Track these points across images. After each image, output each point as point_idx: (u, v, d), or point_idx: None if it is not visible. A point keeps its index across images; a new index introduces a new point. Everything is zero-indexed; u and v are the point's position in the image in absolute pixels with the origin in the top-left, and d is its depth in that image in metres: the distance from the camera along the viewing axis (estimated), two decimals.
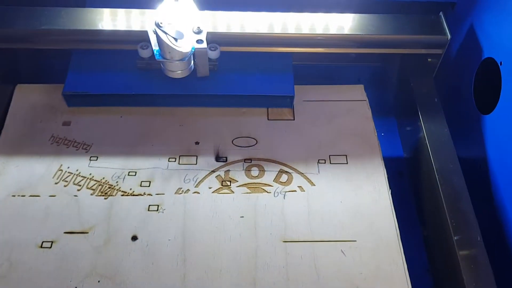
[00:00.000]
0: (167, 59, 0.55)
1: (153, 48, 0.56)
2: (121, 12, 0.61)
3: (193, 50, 0.55)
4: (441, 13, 0.62)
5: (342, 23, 0.62)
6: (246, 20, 0.61)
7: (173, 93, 0.59)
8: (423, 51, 0.63)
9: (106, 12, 0.61)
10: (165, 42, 0.53)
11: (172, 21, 0.54)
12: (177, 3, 0.56)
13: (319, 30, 0.61)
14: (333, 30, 0.61)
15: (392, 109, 0.73)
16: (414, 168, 0.63)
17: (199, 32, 0.56)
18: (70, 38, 0.60)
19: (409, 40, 0.62)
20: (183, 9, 0.56)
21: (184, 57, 0.55)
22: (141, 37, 0.59)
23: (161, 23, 0.53)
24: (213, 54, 0.59)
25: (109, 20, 0.60)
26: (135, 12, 0.61)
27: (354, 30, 0.61)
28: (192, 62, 0.58)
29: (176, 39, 0.53)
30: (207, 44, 0.56)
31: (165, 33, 0.53)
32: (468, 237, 0.51)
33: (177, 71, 0.57)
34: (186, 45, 0.54)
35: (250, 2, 0.67)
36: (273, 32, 0.60)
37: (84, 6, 0.63)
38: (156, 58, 0.56)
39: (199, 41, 0.55)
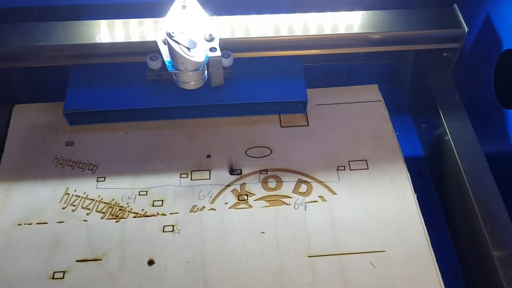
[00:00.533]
0: (181, 70, 0.52)
1: (165, 59, 0.53)
2: (118, 23, 0.58)
3: (207, 59, 0.52)
4: (455, 5, 0.60)
5: (353, 21, 0.59)
6: (252, 24, 0.58)
7: (183, 105, 0.57)
8: (439, 46, 0.60)
9: (104, 24, 0.58)
10: (178, 53, 0.50)
11: (182, 29, 0.51)
12: (185, 10, 0.53)
13: (328, 30, 0.58)
14: (343, 29, 0.58)
15: (407, 106, 0.70)
16: (436, 168, 0.61)
17: (211, 39, 0.53)
18: (70, 53, 0.56)
19: (423, 35, 0.59)
20: (192, 16, 0.53)
21: (198, 67, 0.52)
22: (144, 48, 0.56)
23: (172, 32, 0.50)
24: (227, 62, 0.56)
25: (108, 32, 0.57)
26: (133, 22, 0.58)
27: (365, 28, 0.59)
28: (206, 71, 0.55)
29: (189, 49, 0.50)
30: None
31: (177, 43, 0.50)
32: (502, 238, 0.49)
33: (191, 82, 0.54)
34: (199, 54, 0.51)
35: (250, 4, 0.64)
36: (284, 35, 0.57)
37: (79, 19, 0.60)
38: (168, 70, 0.52)
39: (212, 49, 0.52)
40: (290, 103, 0.59)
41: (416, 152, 0.67)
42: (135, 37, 0.57)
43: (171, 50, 0.50)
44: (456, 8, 0.60)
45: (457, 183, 0.54)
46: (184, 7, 0.53)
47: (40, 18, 0.58)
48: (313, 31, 0.58)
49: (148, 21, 0.58)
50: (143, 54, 0.56)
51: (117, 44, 0.56)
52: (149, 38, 0.56)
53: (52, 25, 0.57)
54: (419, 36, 0.59)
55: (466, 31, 0.58)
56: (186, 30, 0.51)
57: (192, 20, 0.53)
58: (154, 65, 0.56)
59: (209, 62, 0.53)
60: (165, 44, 0.52)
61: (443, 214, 0.60)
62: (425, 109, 0.62)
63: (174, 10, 0.53)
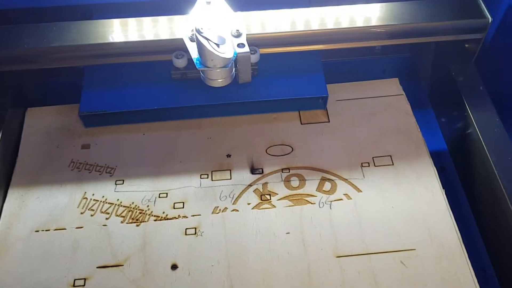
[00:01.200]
0: (209, 67, 0.50)
1: (192, 56, 0.51)
2: (132, 22, 0.57)
3: (235, 55, 0.51)
4: None
5: (372, 14, 0.57)
6: (268, 19, 0.56)
7: (209, 103, 0.55)
8: (461, 37, 0.58)
9: (116, 23, 0.56)
10: (208, 49, 0.48)
11: (210, 25, 0.50)
12: (210, 5, 0.51)
13: (346, 23, 0.57)
14: (365, 22, 0.57)
15: (427, 100, 0.68)
16: (461, 162, 0.59)
17: (238, 35, 0.51)
18: (85, 53, 0.55)
19: (445, 26, 0.58)
20: (217, 12, 0.52)
21: (227, 64, 0.50)
22: (159, 47, 0.55)
23: (201, 28, 0.48)
24: (254, 58, 0.54)
25: (121, 31, 0.56)
26: (147, 20, 0.57)
27: (385, 21, 0.57)
28: (234, 68, 0.54)
29: (218, 45, 0.48)
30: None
31: (207, 39, 0.48)
32: None
33: (219, 80, 0.52)
34: (229, 50, 0.49)
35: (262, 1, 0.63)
36: (301, 29, 0.56)
37: (91, 19, 0.59)
38: (197, 67, 0.51)
39: (240, 45, 0.50)
40: (310, 99, 0.57)
41: (438, 146, 0.65)
42: (149, 36, 0.55)
43: (200, 46, 0.49)
44: None
45: (487, 177, 0.52)
46: (208, 2, 0.52)
47: (51, 19, 0.56)
48: (330, 24, 0.56)
49: (162, 19, 0.57)
50: (162, 52, 0.55)
51: (132, 43, 0.55)
52: (164, 36, 0.55)
53: (65, 25, 0.55)
54: (441, 27, 0.58)
55: (490, 20, 0.56)
56: (213, 26, 0.50)
57: (218, 16, 0.51)
58: (180, 63, 0.54)
59: (237, 59, 0.51)
60: (192, 41, 0.51)
61: (470, 209, 0.59)
62: (449, 102, 0.61)
63: (198, 6, 0.52)
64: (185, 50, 0.54)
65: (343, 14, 0.57)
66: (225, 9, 0.52)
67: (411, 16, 0.57)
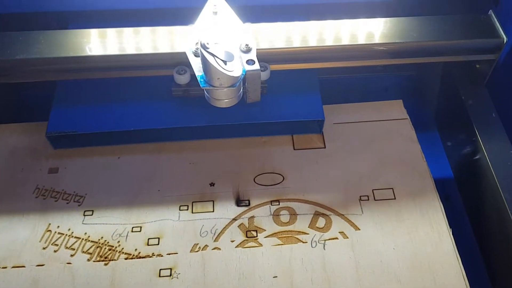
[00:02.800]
0: (215, 87, 0.45)
1: (196, 74, 0.45)
2: (111, 32, 0.51)
3: (244, 73, 0.45)
4: (491, 11, 0.53)
5: (377, 30, 0.52)
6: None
7: (192, 125, 0.50)
8: (472, 57, 0.53)
9: (94, 33, 0.51)
10: (214, 67, 0.43)
11: (216, 39, 0.44)
12: (216, 16, 0.46)
13: (347, 40, 0.51)
14: (364, 39, 0.51)
15: (433, 121, 0.63)
16: (469, 192, 0.53)
17: (247, 50, 0.45)
18: (54, 67, 0.50)
19: (455, 46, 0.52)
20: (224, 23, 0.46)
21: (235, 83, 0.45)
22: (139, 61, 0.50)
23: (207, 43, 0.42)
24: (264, 75, 0.49)
25: (98, 42, 0.50)
26: (127, 31, 0.52)
27: (390, 38, 0.51)
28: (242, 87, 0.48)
29: (225, 62, 0.43)
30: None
31: (213, 55, 0.42)
32: None
33: (225, 100, 0.47)
34: (237, 68, 0.44)
35: (260, 11, 0.58)
36: (297, 46, 0.50)
37: (66, 28, 0.53)
38: (201, 86, 0.45)
39: (249, 62, 0.45)
40: (304, 122, 0.52)
41: (443, 173, 0.60)
42: (130, 49, 0.50)
43: (205, 63, 0.43)
44: (492, 14, 0.53)
45: (498, 216, 0.47)
46: (215, 13, 0.46)
47: (20, 27, 0.51)
48: (329, 41, 0.51)
49: (144, 31, 0.51)
50: (143, 68, 0.50)
51: (111, 56, 0.50)
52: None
53: (34, 35, 0.50)
54: (450, 46, 0.53)
55: (505, 40, 0.51)
56: (220, 40, 0.44)
57: (225, 28, 0.46)
58: (182, 79, 0.49)
59: (246, 77, 0.45)
60: (196, 56, 0.45)
61: (476, 244, 0.53)
62: (457, 126, 0.55)
63: (204, 17, 0.46)
64: (167, 65, 0.49)
65: (344, 29, 0.52)
66: (233, 20, 0.47)
67: (418, 33, 0.52)
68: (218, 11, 0.47)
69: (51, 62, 0.49)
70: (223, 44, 0.44)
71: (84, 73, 0.51)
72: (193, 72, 0.46)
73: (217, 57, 0.43)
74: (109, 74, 0.51)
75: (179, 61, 0.49)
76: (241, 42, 0.46)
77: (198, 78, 0.45)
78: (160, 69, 0.50)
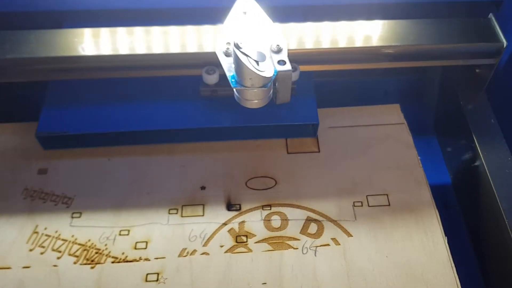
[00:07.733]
0: (247, 87, 0.44)
1: (227, 74, 0.44)
2: (104, 31, 0.51)
3: (275, 74, 0.44)
4: (491, 15, 0.51)
5: (376, 33, 0.51)
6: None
7: (182, 127, 0.49)
8: (471, 61, 0.52)
9: (87, 33, 0.50)
10: (247, 67, 0.42)
11: (248, 39, 0.43)
12: (246, 15, 0.45)
13: (344, 43, 0.50)
14: (361, 42, 0.50)
15: (432, 126, 0.62)
16: (467, 199, 0.52)
17: (278, 51, 0.44)
18: (45, 67, 0.49)
19: (454, 49, 0.51)
20: (254, 23, 0.45)
21: (267, 83, 0.44)
22: (128, 62, 0.48)
23: (240, 43, 0.42)
24: (294, 76, 0.49)
25: (91, 42, 0.50)
26: (121, 31, 0.51)
27: (388, 41, 0.50)
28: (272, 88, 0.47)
29: (257, 62, 0.42)
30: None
31: (246, 55, 0.42)
32: None
33: (255, 100, 0.46)
34: (269, 69, 0.43)
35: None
36: (292, 48, 0.49)
37: (60, 27, 0.53)
38: (232, 86, 0.44)
39: (280, 62, 0.44)
40: (298, 126, 0.51)
41: (442, 180, 0.59)
42: (123, 49, 0.49)
43: (238, 63, 0.42)
44: (492, 18, 0.51)
45: (495, 225, 0.45)
46: (245, 13, 0.45)
47: (12, 26, 0.50)
48: (326, 44, 0.50)
49: (138, 30, 0.50)
50: (137, 68, 0.49)
51: (102, 57, 0.49)
52: (140, 50, 0.48)
53: (24, 34, 0.49)
54: (449, 50, 0.51)
55: (505, 45, 0.50)
56: (251, 40, 0.44)
57: (256, 28, 0.45)
58: (211, 79, 0.49)
59: (277, 77, 0.45)
60: (226, 56, 0.44)
61: (473, 253, 0.52)
62: (455, 132, 0.54)
63: (233, 16, 0.46)
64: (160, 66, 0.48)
65: (341, 31, 0.51)
66: (263, 19, 0.46)
67: (417, 36, 0.51)
68: (248, 11, 0.46)
69: (42, 61, 0.48)
70: (253, 44, 0.44)
71: (76, 73, 0.50)
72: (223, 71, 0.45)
73: (250, 57, 0.42)
74: (102, 74, 0.50)
75: (179, 62, 0.49)
76: (272, 42, 0.45)
77: (229, 78, 0.44)
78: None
